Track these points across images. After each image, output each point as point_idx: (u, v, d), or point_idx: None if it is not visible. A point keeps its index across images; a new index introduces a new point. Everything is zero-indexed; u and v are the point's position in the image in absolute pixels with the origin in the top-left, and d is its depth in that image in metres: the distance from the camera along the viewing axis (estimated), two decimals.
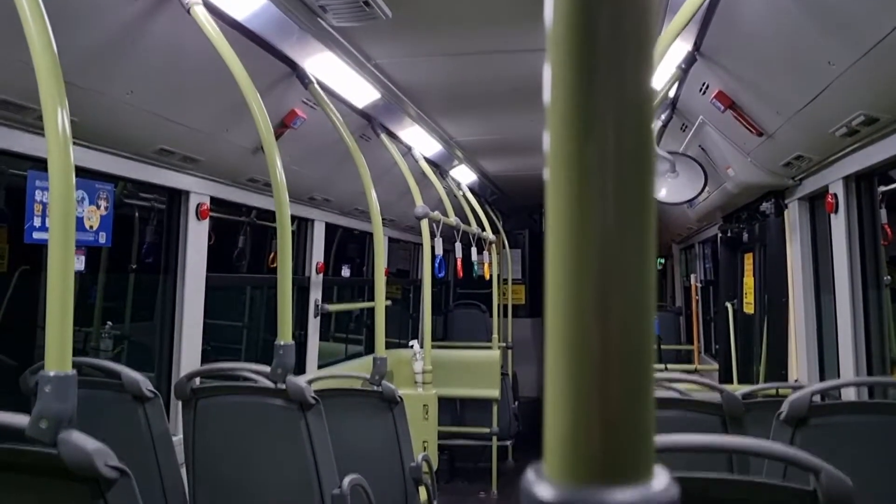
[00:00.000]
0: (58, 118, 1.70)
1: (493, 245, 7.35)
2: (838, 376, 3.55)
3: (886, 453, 2.34)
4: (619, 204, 0.38)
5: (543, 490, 0.38)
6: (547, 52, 0.40)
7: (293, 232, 4.92)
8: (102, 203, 3.23)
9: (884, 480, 2.28)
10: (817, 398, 2.45)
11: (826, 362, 4.00)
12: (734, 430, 2.52)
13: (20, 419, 1.60)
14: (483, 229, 6.82)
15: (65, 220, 1.64)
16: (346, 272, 6.67)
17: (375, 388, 3.65)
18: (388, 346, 4.34)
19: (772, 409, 2.53)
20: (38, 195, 2.91)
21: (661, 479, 0.38)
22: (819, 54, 2.52)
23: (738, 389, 3.13)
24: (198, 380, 3.05)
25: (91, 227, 3.19)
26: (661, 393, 2.87)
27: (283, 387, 2.70)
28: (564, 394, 0.39)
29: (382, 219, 4.53)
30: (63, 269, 1.60)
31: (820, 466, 1.36)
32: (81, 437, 1.58)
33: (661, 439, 1.43)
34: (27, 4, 1.72)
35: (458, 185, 6.87)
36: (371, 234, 6.02)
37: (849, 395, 3.22)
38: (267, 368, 2.77)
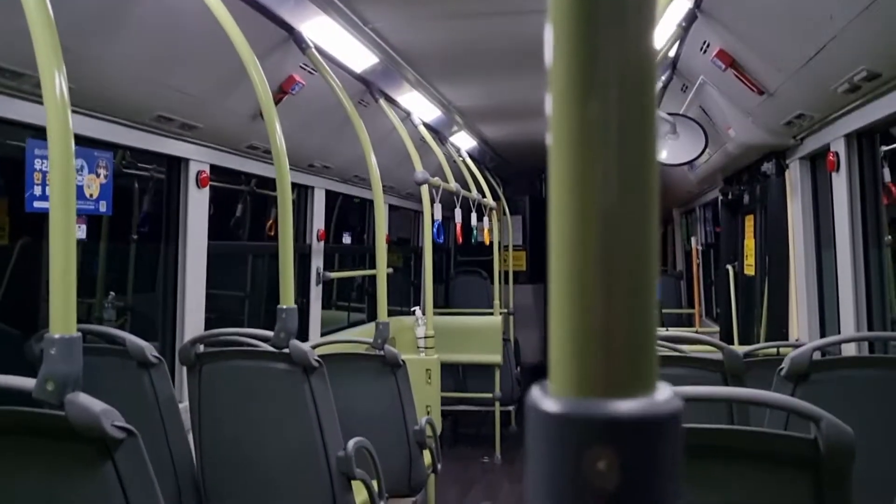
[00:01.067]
0: (55, 84, 1.69)
1: (494, 211, 7.35)
2: (839, 332, 3.57)
3: (887, 407, 2.36)
4: (621, 164, 0.39)
5: (549, 404, 0.39)
6: (548, 10, 0.40)
7: (293, 200, 4.92)
8: (102, 171, 3.22)
9: (885, 434, 2.30)
10: (818, 354, 2.47)
11: (826, 321, 4.02)
12: (735, 386, 2.54)
13: (27, 382, 1.62)
14: (483, 195, 6.81)
15: (65, 185, 1.64)
16: (347, 240, 6.68)
17: (378, 352, 3.67)
18: (390, 313, 4.35)
19: (772, 366, 2.55)
20: (37, 164, 2.90)
21: (663, 391, 0.39)
22: (820, 9, 2.50)
23: (739, 349, 3.15)
24: (202, 346, 3.07)
25: (91, 195, 3.18)
26: (662, 352, 2.89)
27: (287, 351, 2.71)
28: (568, 311, 0.39)
29: (382, 185, 4.53)
30: (65, 233, 1.60)
31: (821, 415, 1.37)
32: (88, 398, 1.60)
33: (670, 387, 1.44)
34: None
35: (458, 151, 6.84)
36: (371, 202, 6.02)
37: (849, 351, 3.24)
38: (270, 333, 2.78)
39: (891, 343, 3.20)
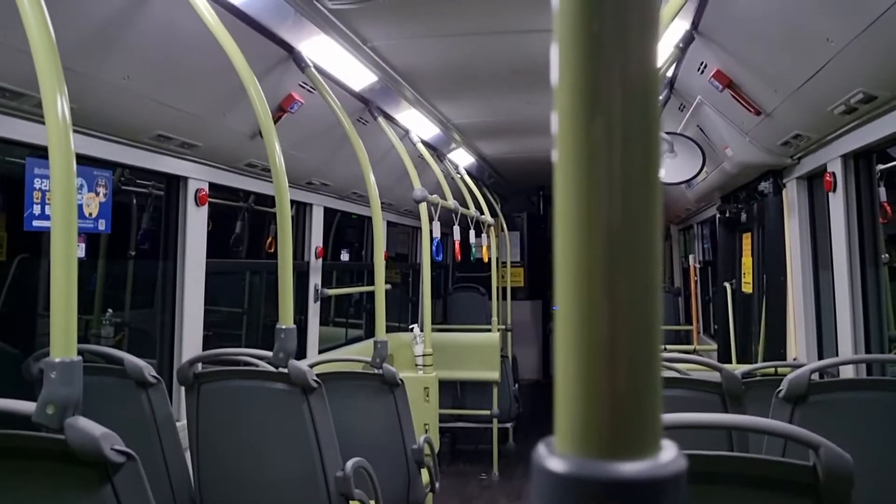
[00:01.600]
0: (57, 105, 1.69)
1: (492, 228, 7.36)
2: (837, 355, 3.57)
3: (885, 429, 2.36)
4: (625, 181, 0.39)
5: (555, 463, 0.39)
6: (554, 31, 0.41)
7: (292, 217, 4.92)
8: (101, 190, 3.22)
9: (882, 456, 2.30)
10: (816, 376, 2.47)
11: (824, 341, 4.02)
12: (733, 408, 2.54)
13: (27, 406, 1.61)
14: (481, 212, 6.82)
15: (67, 207, 1.64)
16: (345, 256, 6.68)
17: (377, 371, 3.66)
18: (389, 330, 4.35)
19: (771, 387, 2.55)
20: (37, 183, 2.91)
21: (668, 451, 0.39)
22: (817, 31, 2.52)
23: (737, 369, 3.15)
24: (200, 365, 3.06)
25: (90, 214, 3.19)
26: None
27: (286, 371, 2.71)
28: (574, 371, 0.39)
29: (381, 203, 4.54)
30: (66, 256, 1.60)
31: (820, 443, 1.37)
32: (88, 422, 1.59)
33: (665, 417, 1.45)
34: None
35: (456, 168, 6.86)
36: (369, 219, 6.03)
37: (847, 373, 3.24)
38: (268, 353, 2.78)
39: (888, 365, 3.20)
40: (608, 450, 0.39)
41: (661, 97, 4.24)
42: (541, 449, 0.41)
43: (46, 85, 1.70)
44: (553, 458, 0.40)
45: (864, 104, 2.77)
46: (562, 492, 0.39)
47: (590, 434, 0.39)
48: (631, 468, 0.38)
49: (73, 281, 1.60)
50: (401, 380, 3.65)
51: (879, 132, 2.91)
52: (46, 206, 2.91)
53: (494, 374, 6.59)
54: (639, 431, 0.39)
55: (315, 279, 5.19)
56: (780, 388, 2.38)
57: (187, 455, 2.98)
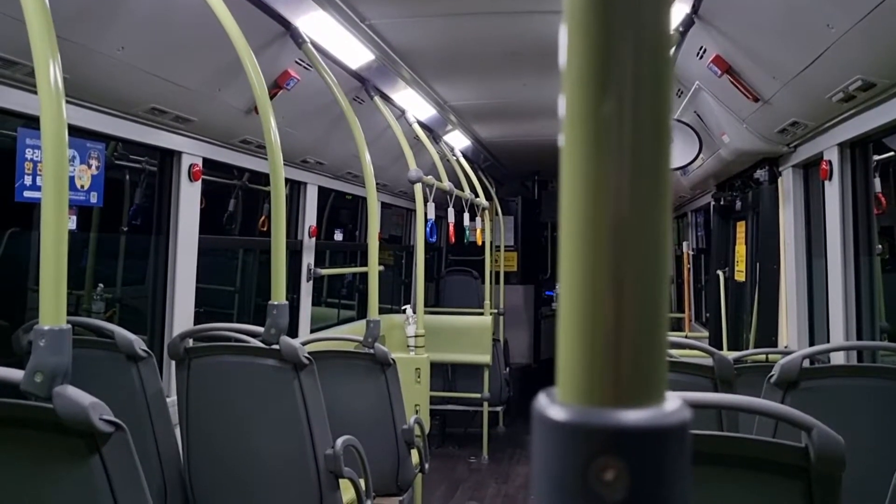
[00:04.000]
0: (50, 73, 1.67)
1: (486, 211, 7.35)
2: (828, 343, 3.58)
3: (875, 416, 2.37)
4: (635, 165, 0.38)
5: (556, 412, 0.38)
6: (563, 10, 0.39)
7: (286, 195, 4.89)
8: (93, 162, 3.19)
9: (872, 442, 2.31)
10: (807, 363, 2.48)
11: (816, 329, 4.04)
12: (725, 392, 2.55)
13: (15, 373, 1.60)
14: (476, 195, 6.81)
15: (58, 176, 1.62)
16: (338, 237, 6.66)
17: (368, 350, 3.66)
18: (381, 311, 4.34)
19: (762, 373, 2.55)
20: (28, 153, 2.88)
21: (672, 402, 0.39)
22: (818, 17, 2.50)
23: (728, 355, 3.16)
24: (191, 340, 3.05)
25: (82, 186, 3.16)
26: None
27: (277, 347, 2.70)
28: (577, 317, 0.38)
29: (375, 183, 4.51)
30: (56, 225, 1.59)
31: (812, 424, 1.37)
32: (76, 391, 1.58)
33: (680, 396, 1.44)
34: None
35: (452, 150, 6.83)
36: (364, 199, 6.00)
37: (838, 360, 3.25)
38: (260, 329, 2.77)
39: (879, 352, 3.21)
40: (611, 398, 0.38)
41: None
42: (541, 398, 0.40)
43: (39, 53, 1.68)
44: (554, 406, 0.39)
45: (863, 91, 2.76)
46: (564, 441, 0.38)
47: (592, 383, 0.38)
48: (635, 416, 0.37)
49: (62, 250, 1.58)
50: (392, 360, 3.65)
51: (877, 120, 2.91)
52: (38, 178, 2.88)
53: (486, 358, 6.60)
54: (642, 380, 0.38)
55: (308, 258, 5.17)
56: (772, 373, 2.38)
57: (177, 430, 2.97)
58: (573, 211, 0.38)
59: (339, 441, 2.81)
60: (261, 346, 2.79)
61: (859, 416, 2.36)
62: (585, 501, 0.37)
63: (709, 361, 2.62)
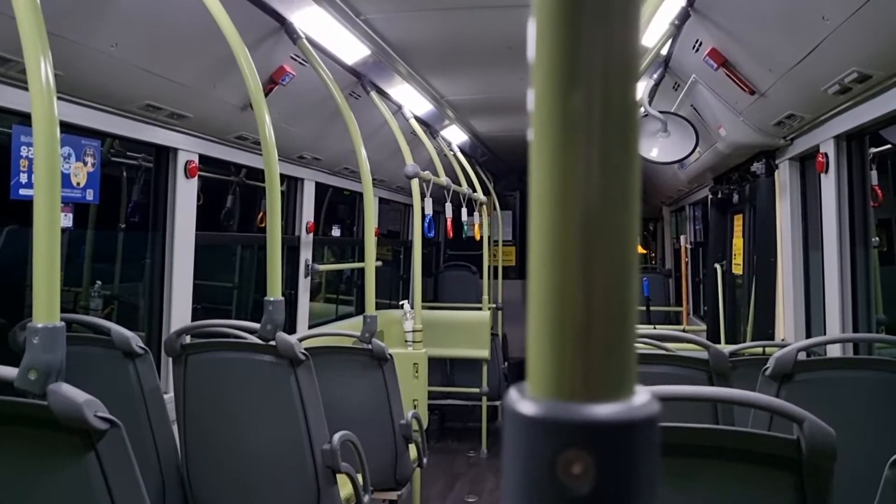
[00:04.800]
0: (41, 70, 1.67)
1: (484, 206, 7.35)
2: (825, 333, 3.59)
3: (870, 408, 2.37)
4: (603, 158, 0.38)
5: (525, 406, 0.39)
6: (532, 3, 0.40)
7: (283, 192, 4.89)
8: (89, 159, 3.19)
9: (867, 434, 2.32)
10: (803, 355, 2.48)
11: (813, 322, 4.04)
12: (720, 385, 2.55)
13: (9, 371, 1.60)
14: (474, 190, 6.80)
15: (50, 172, 1.62)
16: (336, 232, 6.66)
17: (366, 346, 3.66)
18: (378, 307, 4.35)
19: (758, 366, 2.56)
20: (23, 151, 2.88)
21: (642, 395, 0.39)
22: (813, 9, 2.50)
23: (725, 348, 3.16)
24: (188, 337, 3.05)
25: (78, 183, 3.16)
26: (649, 350, 2.90)
27: (273, 343, 2.70)
28: (546, 310, 0.39)
29: (372, 178, 4.51)
30: (49, 221, 1.59)
31: (804, 416, 1.38)
32: (70, 388, 1.58)
33: (647, 389, 1.45)
34: None
35: (449, 145, 6.83)
36: (361, 194, 6.00)
37: (834, 352, 3.25)
38: (256, 326, 2.77)
39: (875, 344, 3.21)
40: (581, 393, 0.38)
41: (655, 76, 4.22)
42: (512, 393, 0.40)
43: (30, 50, 1.68)
44: (524, 401, 0.39)
45: (859, 84, 2.76)
46: (534, 435, 0.38)
47: (562, 377, 0.38)
48: (603, 410, 0.38)
49: (55, 247, 1.58)
50: (390, 355, 3.65)
51: (873, 112, 2.90)
52: (33, 175, 2.88)
53: (484, 353, 6.61)
54: (612, 375, 0.38)
55: (305, 254, 5.17)
56: (767, 365, 2.38)
57: (174, 427, 2.97)
58: (542, 205, 0.38)
59: (337, 436, 2.81)
60: (257, 341, 2.79)
61: (854, 407, 2.37)
62: (553, 494, 0.37)
63: (704, 355, 2.62)
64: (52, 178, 1.61)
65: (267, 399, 2.76)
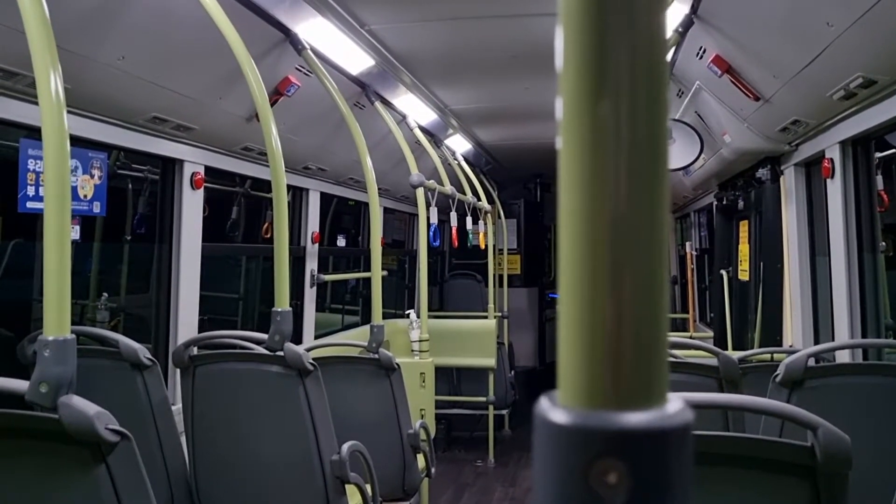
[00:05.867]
0: (51, 85, 1.68)
1: (489, 215, 7.35)
2: (833, 339, 3.57)
3: (881, 414, 2.36)
4: (633, 166, 0.38)
5: (558, 415, 0.38)
6: (559, 11, 0.40)
7: (288, 202, 4.90)
8: (96, 172, 3.20)
9: (879, 440, 2.30)
10: (812, 361, 2.47)
11: (821, 328, 4.03)
12: (731, 392, 2.54)
13: (20, 384, 1.60)
14: (478, 199, 6.81)
15: (60, 186, 1.63)
16: (341, 242, 6.66)
17: (373, 355, 3.66)
18: (385, 316, 4.34)
19: (767, 372, 2.55)
20: (30, 164, 2.89)
21: (675, 403, 0.39)
22: (817, 15, 2.50)
23: (734, 354, 3.15)
24: (195, 348, 3.05)
25: (85, 196, 3.17)
26: None
27: (281, 353, 2.70)
28: (577, 319, 0.38)
29: (378, 188, 4.51)
30: (59, 235, 1.59)
31: (818, 423, 1.37)
32: (81, 401, 1.58)
33: (682, 397, 1.44)
34: None
35: (453, 154, 6.84)
36: (366, 204, 6.00)
37: (843, 357, 3.24)
38: (264, 336, 2.77)
39: (885, 349, 3.20)
40: (613, 401, 0.38)
41: None
42: (543, 402, 0.40)
43: (40, 65, 1.68)
44: (556, 410, 0.39)
45: (864, 89, 2.76)
46: (566, 444, 0.38)
47: (594, 386, 0.38)
48: (636, 418, 0.37)
49: (66, 260, 1.58)
50: (397, 364, 3.64)
51: (878, 118, 2.90)
52: (40, 188, 2.89)
53: (490, 361, 6.60)
54: (644, 383, 0.38)
55: (311, 264, 5.18)
56: (777, 372, 2.38)
57: (182, 438, 2.97)
58: (572, 212, 0.38)
59: (345, 447, 2.81)
60: (265, 352, 2.79)
61: (865, 414, 2.36)
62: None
63: (714, 361, 2.62)
64: (62, 192, 1.61)
65: (275, 410, 2.76)
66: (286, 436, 2.75)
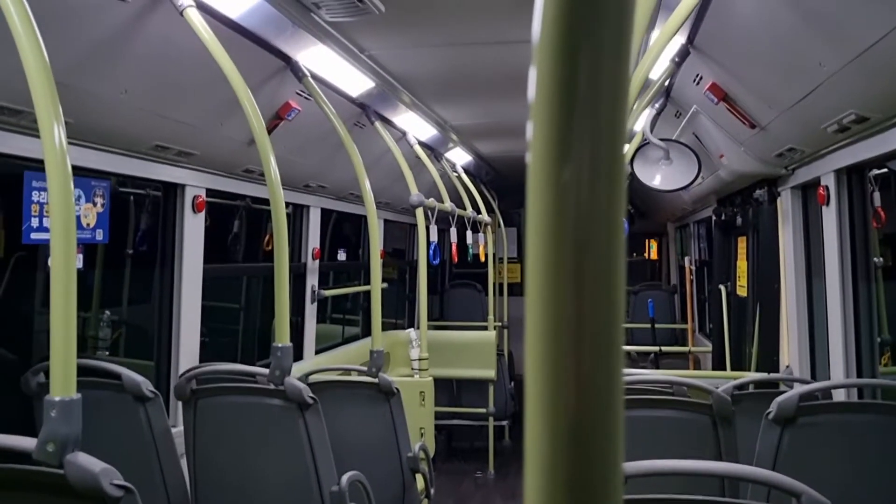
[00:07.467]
0: (54, 129, 1.71)
1: (488, 226, 7.38)
2: (828, 364, 3.60)
3: (874, 452, 2.39)
4: (591, 231, 0.41)
5: None
6: (529, 100, 0.43)
7: (288, 217, 4.93)
8: (98, 200, 3.24)
9: (871, 479, 2.34)
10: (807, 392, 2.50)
11: (817, 349, 4.06)
12: (724, 429, 2.58)
13: (27, 442, 1.64)
14: (478, 211, 6.84)
15: (66, 231, 1.65)
16: (342, 255, 6.70)
17: (372, 380, 3.69)
18: (385, 326, 4.37)
19: (763, 399, 2.58)
20: (34, 196, 2.92)
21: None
22: (810, 55, 2.53)
23: (730, 379, 3.19)
24: (195, 381, 3.08)
25: (88, 224, 3.21)
26: (653, 395, 2.93)
27: (283, 388, 2.74)
28: (543, 460, 0.41)
29: (378, 202, 4.53)
30: (65, 303, 1.61)
31: (801, 490, 1.40)
32: (87, 458, 1.62)
33: (641, 465, 1.48)
34: (13, 8, 1.71)
35: (453, 166, 6.87)
36: (366, 217, 6.03)
37: (839, 393, 3.26)
38: (265, 371, 2.81)
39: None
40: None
41: (657, 105, 4.24)
42: None
43: (42, 109, 1.71)
44: None
45: (857, 124, 2.79)
46: None
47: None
48: None
49: (71, 323, 1.62)
50: (396, 388, 3.68)
51: (872, 151, 2.93)
52: (45, 219, 2.93)
53: (490, 373, 6.63)
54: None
55: (312, 280, 5.21)
56: (770, 409, 2.41)
57: (185, 468, 3.01)
58: (536, 262, 0.41)
59: (345, 477, 2.84)
60: (266, 386, 2.83)
61: (859, 452, 2.39)
62: None
63: (708, 399, 2.65)
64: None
65: (276, 442, 2.80)
66: (286, 467, 2.79)
